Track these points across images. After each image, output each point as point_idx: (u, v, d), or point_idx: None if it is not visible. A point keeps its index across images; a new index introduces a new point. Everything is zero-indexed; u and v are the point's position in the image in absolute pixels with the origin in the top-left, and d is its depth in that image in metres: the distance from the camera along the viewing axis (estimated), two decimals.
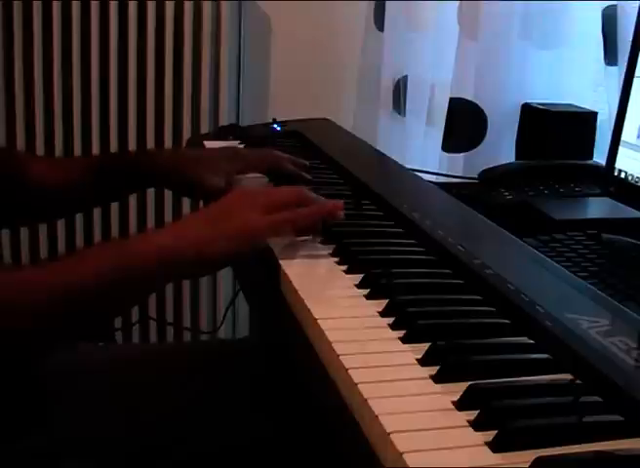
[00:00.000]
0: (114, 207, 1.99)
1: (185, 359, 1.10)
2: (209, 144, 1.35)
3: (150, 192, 1.98)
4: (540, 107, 1.41)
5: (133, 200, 1.98)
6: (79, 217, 2.00)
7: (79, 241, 2.02)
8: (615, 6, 1.36)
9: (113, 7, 1.90)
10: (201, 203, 1.86)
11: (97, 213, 2.00)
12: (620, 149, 1.10)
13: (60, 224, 2.00)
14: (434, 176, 1.37)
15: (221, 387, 1.00)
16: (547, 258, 0.80)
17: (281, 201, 0.82)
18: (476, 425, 0.51)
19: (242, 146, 1.30)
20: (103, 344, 1.14)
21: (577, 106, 1.42)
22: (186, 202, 1.98)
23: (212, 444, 0.93)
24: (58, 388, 0.94)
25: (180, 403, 0.97)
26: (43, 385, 0.92)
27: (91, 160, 1.34)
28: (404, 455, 0.48)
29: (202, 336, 2.08)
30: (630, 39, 1.10)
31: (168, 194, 1.98)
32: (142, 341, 2.08)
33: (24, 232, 2.00)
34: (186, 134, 1.95)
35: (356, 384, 0.56)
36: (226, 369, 1.04)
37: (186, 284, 2.05)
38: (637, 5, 1.11)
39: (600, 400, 0.53)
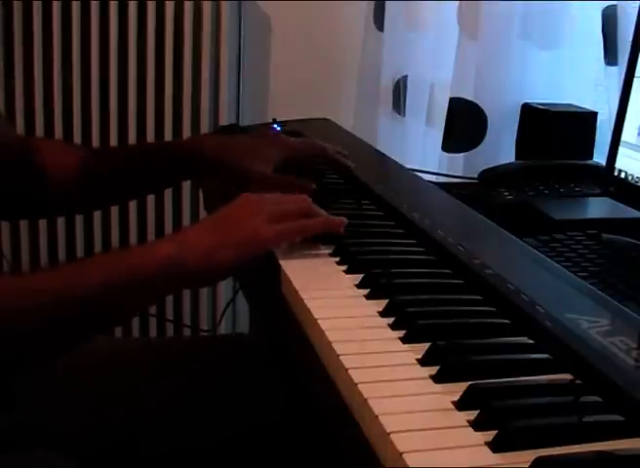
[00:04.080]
0: (114, 213, 1.98)
1: (175, 352, 1.09)
2: None
3: (150, 198, 1.97)
4: (540, 107, 1.41)
5: (132, 205, 1.98)
6: (79, 224, 1.99)
7: (79, 248, 2.01)
8: (615, 6, 1.36)
9: (113, 7, 1.90)
10: (202, 212, 1.87)
11: (97, 219, 1.99)
12: (620, 149, 1.10)
13: (61, 229, 2.00)
14: (434, 176, 1.37)
15: (220, 380, 1.00)
16: (547, 258, 0.80)
17: (288, 211, 0.81)
18: (476, 425, 0.51)
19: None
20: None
21: (577, 106, 1.42)
22: (186, 209, 1.98)
23: (209, 436, 0.92)
24: (34, 381, 0.94)
25: (171, 394, 0.97)
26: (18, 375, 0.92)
27: (129, 148, 1.30)
28: (404, 455, 0.48)
29: (201, 333, 2.07)
30: (630, 39, 1.10)
31: (168, 200, 1.98)
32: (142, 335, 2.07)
33: (24, 233, 2.00)
34: (186, 133, 1.95)
35: (356, 384, 0.56)
36: (225, 361, 1.04)
37: None
38: (637, 5, 1.11)
39: (600, 400, 0.53)
